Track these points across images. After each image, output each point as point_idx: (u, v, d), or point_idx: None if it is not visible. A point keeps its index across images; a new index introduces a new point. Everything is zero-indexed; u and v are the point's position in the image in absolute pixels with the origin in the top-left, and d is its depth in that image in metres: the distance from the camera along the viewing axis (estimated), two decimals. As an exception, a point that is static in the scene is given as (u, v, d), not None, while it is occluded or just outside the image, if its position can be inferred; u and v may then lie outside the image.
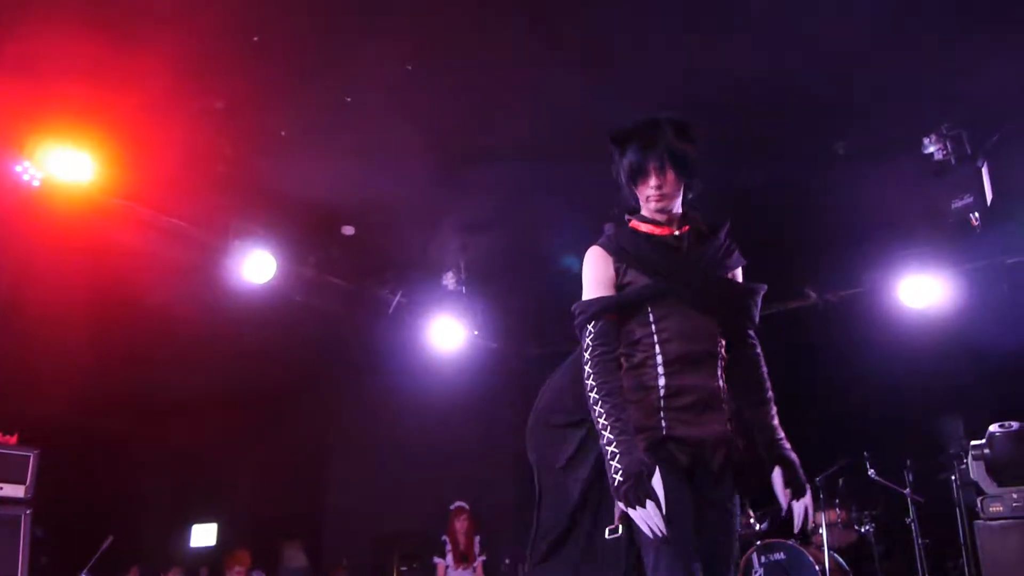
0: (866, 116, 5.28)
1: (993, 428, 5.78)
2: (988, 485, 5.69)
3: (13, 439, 4.53)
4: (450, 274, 7.19)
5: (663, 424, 2.33)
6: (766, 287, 2.55)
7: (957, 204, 5.22)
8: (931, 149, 5.28)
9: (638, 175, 2.47)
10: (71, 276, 5.73)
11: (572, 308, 2.49)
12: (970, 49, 4.65)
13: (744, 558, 6.38)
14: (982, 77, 4.84)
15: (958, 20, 4.42)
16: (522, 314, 8.41)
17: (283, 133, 5.32)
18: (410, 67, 4.73)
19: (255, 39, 4.46)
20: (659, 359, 2.38)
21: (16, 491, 4.31)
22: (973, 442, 5.87)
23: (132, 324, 6.37)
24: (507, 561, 7.75)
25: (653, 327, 2.40)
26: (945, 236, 6.23)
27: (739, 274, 2.59)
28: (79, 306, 5.89)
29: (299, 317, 7.22)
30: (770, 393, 2.51)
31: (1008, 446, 5.68)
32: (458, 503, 7.63)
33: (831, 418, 6.86)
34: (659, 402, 2.35)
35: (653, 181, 2.44)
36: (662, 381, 2.36)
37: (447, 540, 7.44)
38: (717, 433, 2.37)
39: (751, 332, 2.54)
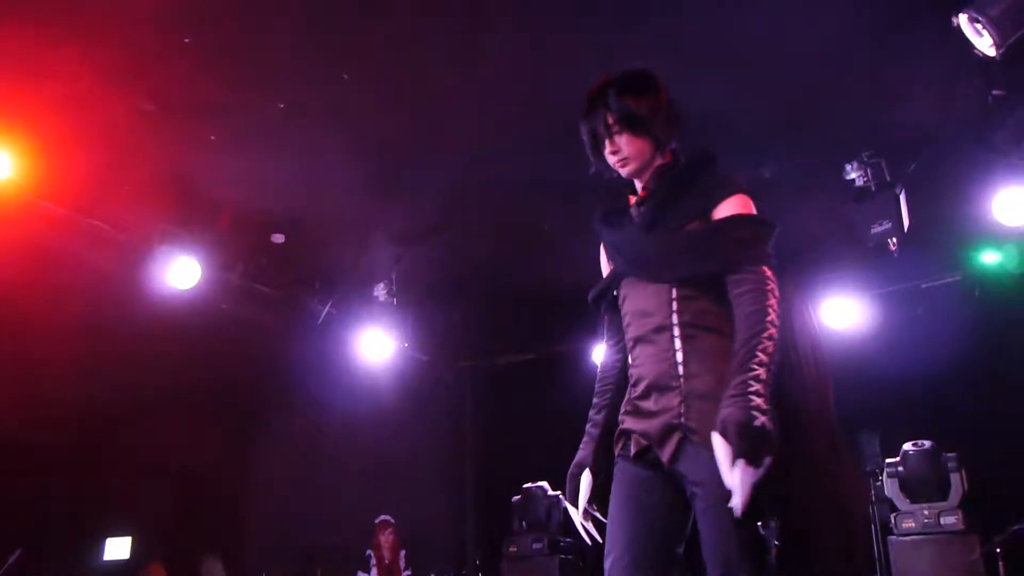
0: (790, 142, 5.43)
1: (907, 447, 5.99)
2: (901, 502, 5.89)
3: (-86, 447, 4.31)
4: (381, 285, 7.14)
5: (621, 419, 2.17)
6: (749, 217, 2.13)
7: (876, 229, 5.40)
8: (852, 175, 5.46)
9: (596, 146, 2.24)
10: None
11: None
12: (891, 80, 4.83)
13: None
14: (901, 107, 5.04)
15: (880, 51, 4.60)
16: (453, 327, 8.39)
17: (213, 137, 5.21)
18: (346, 76, 4.70)
19: (186, 40, 4.37)
20: (627, 347, 2.22)
21: (-84, 501, 4.09)
22: (888, 460, 6.07)
23: (46, 328, 6.13)
24: (432, 575, 7.70)
25: (621, 312, 2.25)
26: (864, 260, 6.44)
27: (721, 211, 2.16)
28: (-9, 308, 5.65)
29: (225, 325, 7.05)
30: (754, 341, 1.95)
31: (921, 464, 5.89)
32: (383, 516, 7.54)
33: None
34: (629, 393, 2.18)
35: (608, 148, 2.20)
36: (629, 371, 2.20)
37: (372, 554, 7.35)
38: (663, 421, 2.05)
39: (734, 275, 2.07)
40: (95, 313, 6.05)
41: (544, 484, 7.43)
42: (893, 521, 5.87)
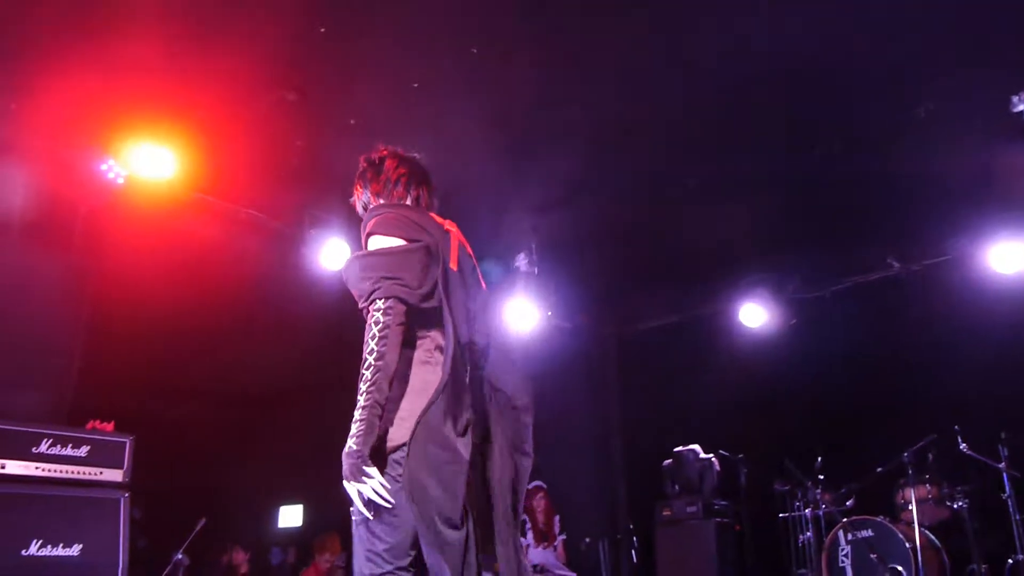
0: (951, 76, 5.06)
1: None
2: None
3: (110, 426, 4.71)
4: (522, 255, 7.18)
5: None
6: (358, 257, 2.41)
7: (1050, 164, 4.98)
8: (1021, 107, 5.04)
9: None
10: (156, 270, 5.92)
11: None
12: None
13: (830, 536, 6.25)
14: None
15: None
16: (596, 293, 8.37)
17: (352, 121, 5.38)
18: (475, 50, 4.73)
19: (322, 30, 4.52)
20: None
21: (115, 475, 4.47)
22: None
23: (215, 314, 6.56)
24: (587, 540, 7.75)
25: None
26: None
27: (369, 244, 2.48)
28: (164, 299, 6.09)
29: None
30: (359, 386, 2.33)
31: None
32: (536, 482, 7.65)
33: (919, 391, 6.64)
34: None
35: None
36: None
37: (526, 519, 7.48)
38: None
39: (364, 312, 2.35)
40: (257, 299, 6.41)
41: (696, 447, 7.33)
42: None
